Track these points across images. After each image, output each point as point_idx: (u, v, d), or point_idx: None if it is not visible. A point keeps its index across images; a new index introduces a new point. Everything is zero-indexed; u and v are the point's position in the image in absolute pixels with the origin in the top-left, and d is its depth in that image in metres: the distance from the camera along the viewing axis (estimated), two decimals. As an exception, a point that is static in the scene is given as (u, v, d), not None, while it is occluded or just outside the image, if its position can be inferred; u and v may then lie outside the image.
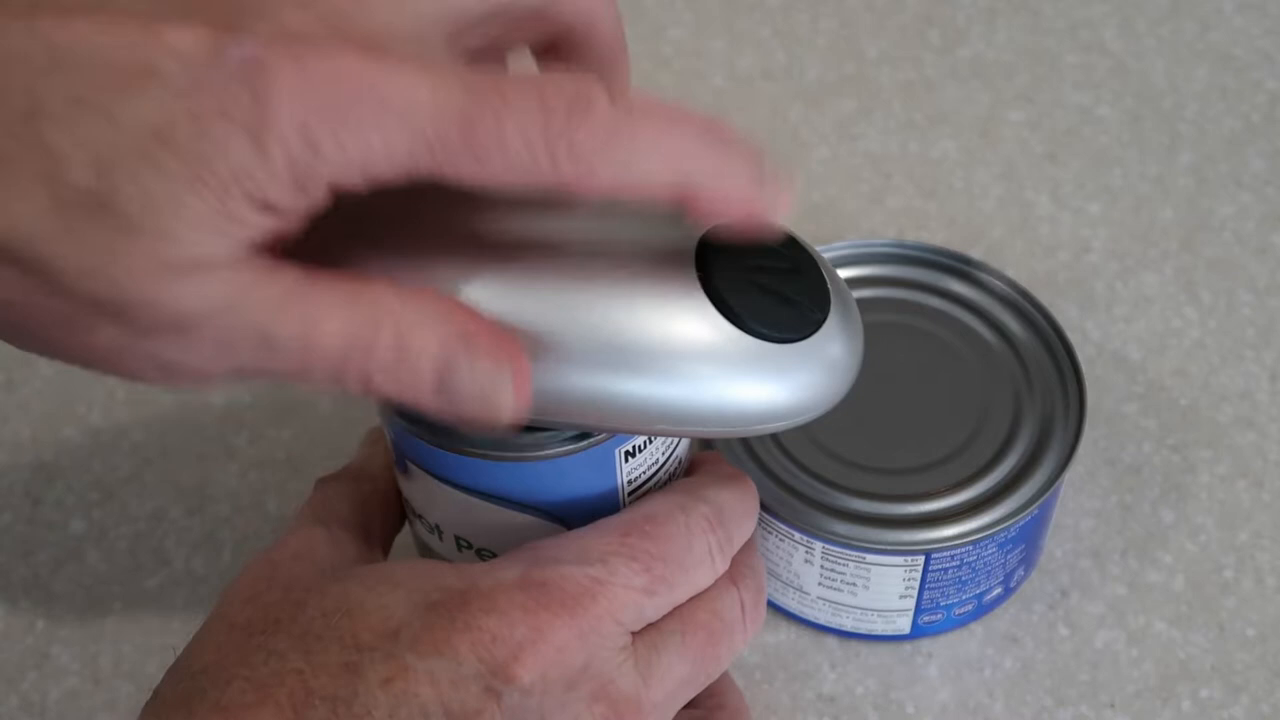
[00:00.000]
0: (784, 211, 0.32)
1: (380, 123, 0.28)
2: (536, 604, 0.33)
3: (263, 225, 0.29)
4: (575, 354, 0.33)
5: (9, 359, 0.54)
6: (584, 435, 0.35)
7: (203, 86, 0.28)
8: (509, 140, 0.29)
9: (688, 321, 0.33)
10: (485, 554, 0.38)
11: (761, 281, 0.34)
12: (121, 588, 0.47)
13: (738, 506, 0.37)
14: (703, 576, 0.36)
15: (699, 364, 0.33)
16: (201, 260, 0.28)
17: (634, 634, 0.34)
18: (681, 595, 0.35)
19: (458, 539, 0.38)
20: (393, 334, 0.30)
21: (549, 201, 0.34)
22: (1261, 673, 0.44)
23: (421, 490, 0.38)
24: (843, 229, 0.56)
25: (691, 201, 0.31)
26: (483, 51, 0.34)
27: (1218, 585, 0.46)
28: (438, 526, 0.39)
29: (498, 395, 0.31)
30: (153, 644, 0.46)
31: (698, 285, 0.33)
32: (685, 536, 0.35)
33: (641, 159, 0.30)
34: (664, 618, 0.35)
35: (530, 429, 0.35)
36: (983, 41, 0.64)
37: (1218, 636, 0.45)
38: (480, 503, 0.37)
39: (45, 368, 0.53)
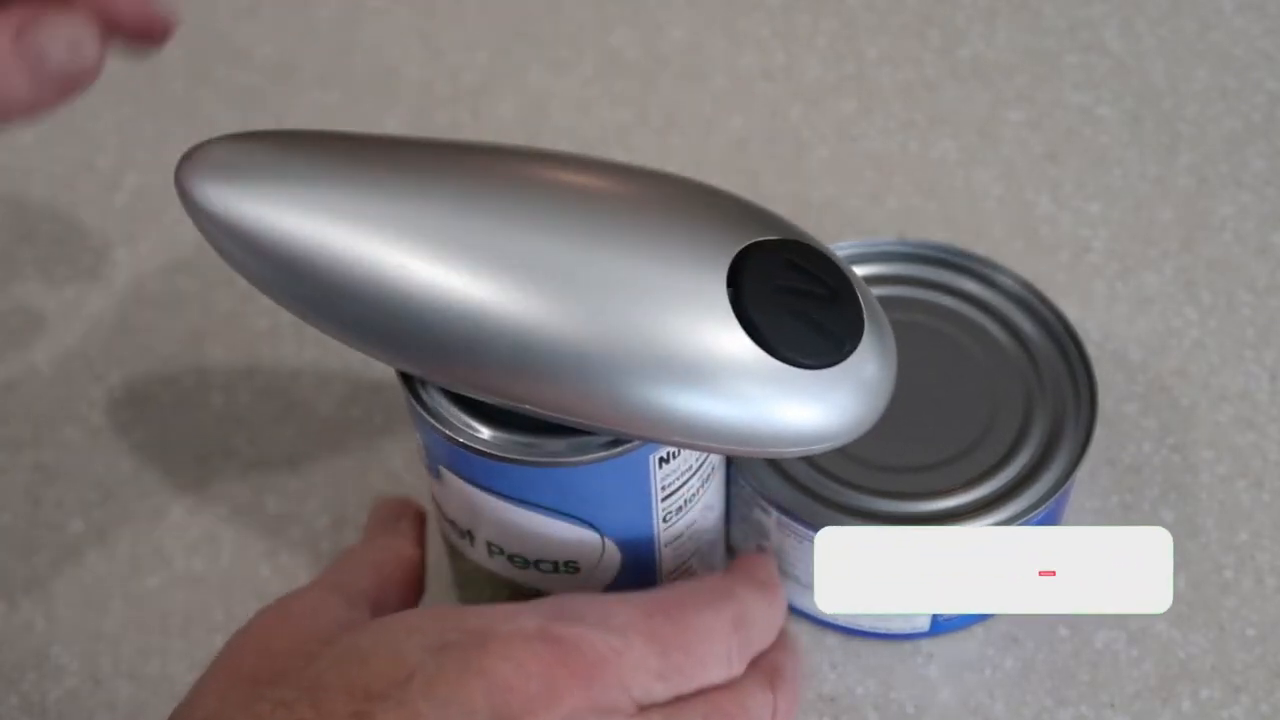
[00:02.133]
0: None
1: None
2: (554, 659, 0.33)
3: None
4: (604, 359, 0.33)
5: (9, 358, 0.54)
6: (618, 441, 0.35)
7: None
8: None
9: (714, 340, 0.33)
10: (517, 560, 0.38)
11: (793, 304, 0.33)
12: (121, 588, 0.47)
13: (765, 614, 0.37)
14: (717, 674, 0.36)
15: (722, 382, 0.33)
16: None
17: (650, 708, 0.34)
18: (691, 686, 0.35)
19: (489, 544, 0.38)
20: None
21: (592, 198, 0.34)
22: (1261, 673, 0.44)
23: (455, 495, 0.38)
24: (843, 229, 0.56)
25: None
26: None
27: (1218, 585, 0.46)
28: (470, 532, 0.39)
29: None
30: (153, 644, 0.46)
31: (727, 304, 0.33)
32: (708, 632, 0.35)
33: None
34: (693, 699, 0.35)
35: (564, 433, 0.35)
36: (983, 41, 0.64)
37: (1218, 636, 0.45)
38: (514, 508, 0.37)
39: (45, 368, 0.53)
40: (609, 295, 0.33)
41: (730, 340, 0.33)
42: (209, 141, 0.36)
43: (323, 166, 0.35)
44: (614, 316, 0.33)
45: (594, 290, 0.33)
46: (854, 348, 0.34)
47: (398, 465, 0.50)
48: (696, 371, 0.33)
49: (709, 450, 0.37)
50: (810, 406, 0.33)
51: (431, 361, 0.34)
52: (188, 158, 0.36)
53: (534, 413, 0.34)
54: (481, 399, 0.35)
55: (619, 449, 0.35)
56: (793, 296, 0.33)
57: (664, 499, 0.37)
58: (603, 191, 0.35)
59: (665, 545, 0.39)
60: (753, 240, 0.34)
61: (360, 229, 0.34)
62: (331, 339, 0.36)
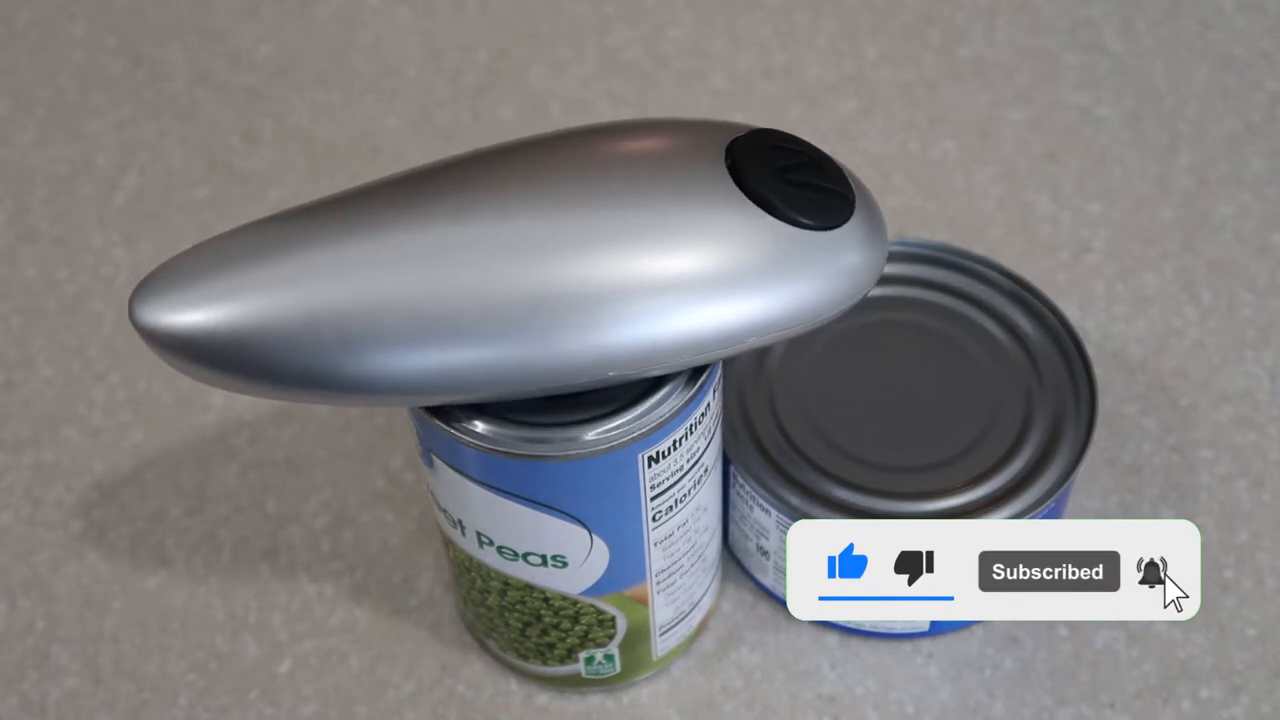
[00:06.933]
0: None
1: None
2: None
3: None
4: (621, 285, 0.34)
5: (9, 359, 0.54)
6: (608, 440, 0.35)
7: None
8: None
9: (728, 219, 0.34)
10: (505, 551, 0.38)
11: (792, 178, 0.36)
12: (121, 588, 0.47)
13: None
14: None
15: (754, 262, 0.34)
16: None
17: None
18: None
19: (479, 535, 0.39)
20: None
21: (580, 156, 0.36)
22: (1261, 673, 0.44)
23: (446, 484, 0.38)
24: (843, 229, 0.56)
25: None
26: None
27: (1218, 585, 0.46)
28: (460, 521, 0.39)
29: None
30: (152, 644, 0.46)
31: (738, 190, 0.35)
32: None
33: None
34: None
35: (554, 427, 0.35)
36: (983, 41, 0.64)
37: (1218, 636, 0.45)
38: (502, 500, 0.37)
39: (45, 368, 0.54)
40: (628, 224, 0.34)
41: (751, 220, 0.35)
42: (152, 272, 0.36)
43: (250, 250, 0.35)
44: (629, 237, 0.34)
45: (609, 226, 0.34)
46: (854, 202, 0.36)
47: (398, 465, 0.50)
48: (727, 262, 0.34)
49: (759, 342, 0.37)
50: (840, 260, 0.36)
51: (489, 375, 0.34)
52: (133, 293, 0.36)
53: (616, 379, 0.35)
54: (557, 393, 0.35)
55: (605, 445, 0.35)
56: (789, 171, 0.36)
57: (653, 498, 0.37)
58: (581, 149, 0.36)
59: (655, 545, 0.39)
60: (735, 135, 0.36)
61: (331, 282, 0.34)
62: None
